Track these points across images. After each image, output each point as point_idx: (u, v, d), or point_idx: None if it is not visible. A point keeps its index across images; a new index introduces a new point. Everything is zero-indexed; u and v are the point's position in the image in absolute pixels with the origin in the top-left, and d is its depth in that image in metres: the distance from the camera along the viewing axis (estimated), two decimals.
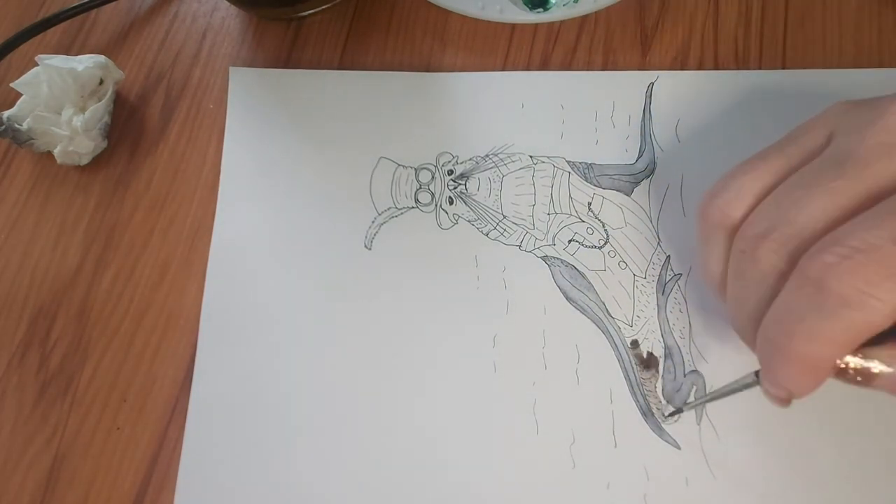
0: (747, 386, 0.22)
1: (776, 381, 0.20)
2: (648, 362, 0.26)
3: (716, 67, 0.31)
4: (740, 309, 0.21)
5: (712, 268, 0.23)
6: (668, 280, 0.28)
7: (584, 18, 0.32)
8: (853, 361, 0.18)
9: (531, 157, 0.30)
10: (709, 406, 0.26)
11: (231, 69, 0.33)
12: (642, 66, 0.31)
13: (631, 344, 0.27)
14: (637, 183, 0.29)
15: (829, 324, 0.17)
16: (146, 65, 0.34)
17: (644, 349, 0.27)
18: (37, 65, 0.30)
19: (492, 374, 0.27)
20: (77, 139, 0.30)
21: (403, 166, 0.31)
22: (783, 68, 0.30)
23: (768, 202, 0.20)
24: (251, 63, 0.33)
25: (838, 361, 0.18)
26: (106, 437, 0.27)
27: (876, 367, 0.18)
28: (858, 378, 0.19)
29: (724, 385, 0.23)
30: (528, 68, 0.32)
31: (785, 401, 0.20)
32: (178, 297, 0.29)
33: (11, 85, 0.31)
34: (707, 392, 0.26)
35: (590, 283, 0.28)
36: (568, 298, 0.28)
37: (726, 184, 0.22)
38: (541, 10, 0.31)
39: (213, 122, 0.32)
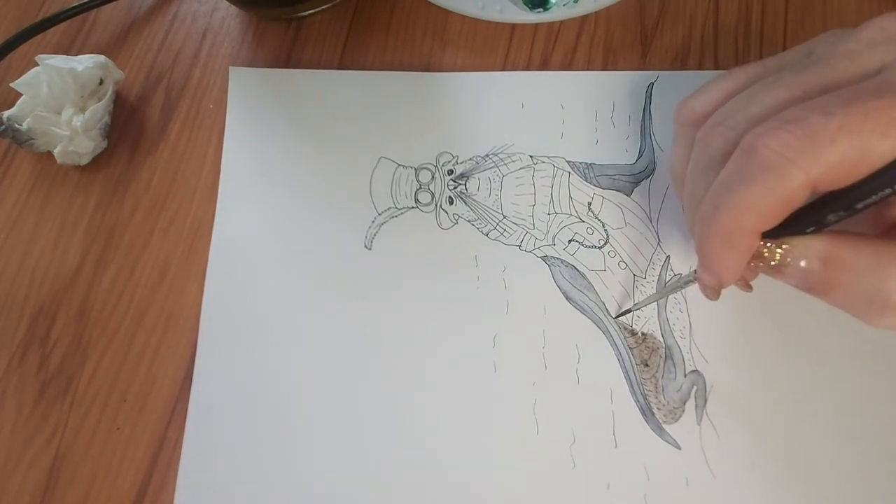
0: (689, 282, 0.23)
1: (704, 262, 0.20)
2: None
3: (716, 67, 0.31)
4: (692, 201, 0.22)
5: (675, 165, 0.24)
6: (668, 280, 0.28)
7: (584, 18, 0.32)
8: (768, 248, 0.19)
9: (531, 156, 0.30)
10: (709, 406, 0.26)
11: (231, 69, 0.33)
12: (642, 66, 0.31)
13: (630, 333, 0.27)
14: (637, 183, 0.29)
15: (750, 190, 0.18)
16: (146, 65, 0.34)
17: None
18: (37, 65, 0.30)
19: (492, 374, 0.27)
20: (77, 139, 0.30)
21: (403, 166, 0.31)
22: None
23: (733, 99, 0.21)
24: (251, 63, 0.33)
25: (759, 246, 0.19)
26: (106, 437, 0.27)
27: (786, 254, 0.19)
28: (772, 263, 0.19)
29: (669, 282, 0.25)
30: (528, 68, 0.32)
31: (714, 290, 0.21)
32: (178, 297, 0.29)
33: (11, 85, 0.31)
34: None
35: (590, 283, 0.28)
36: (568, 298, 0.28)
37: (701, 87, 0.23)
38: (541, 10, 0.31)
39: (213, 122, 0.32)
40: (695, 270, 0.22)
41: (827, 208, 0.19)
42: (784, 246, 0.19)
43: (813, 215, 0.19)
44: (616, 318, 0.27)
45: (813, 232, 0.19)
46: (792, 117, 0.18)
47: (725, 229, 0.19)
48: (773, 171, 0.18)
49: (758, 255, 0.19)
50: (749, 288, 0.22)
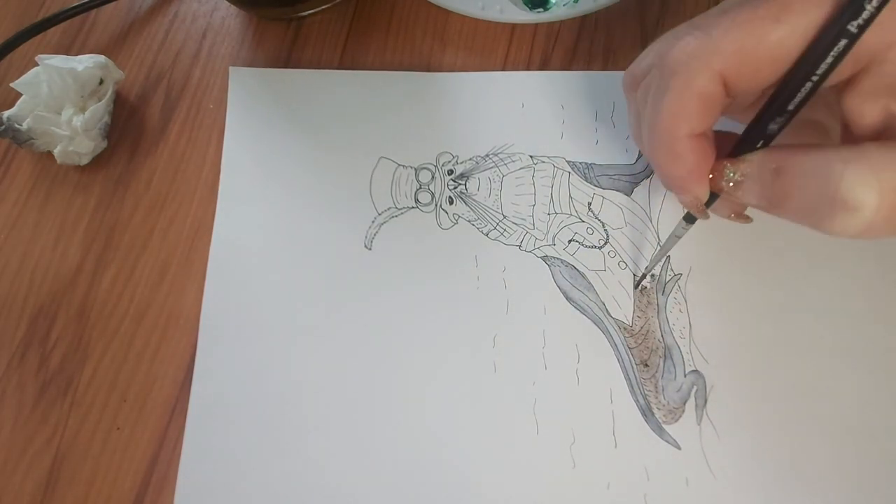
0: (687, 223, 0.24)
1: (664, 179, 0.21)
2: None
3: None
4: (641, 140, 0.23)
5: (631, 126, 0.25)
6: (667, 280, 0.28)
7: (584, 18, 0.32)
8: (726, 167, 0.20)
9: (531, 157, 0.30)
10: (709, 406, 0.26)
11: (231, 69, 0.33)
12: None
13: (630, 333, 0.27)
14: (637, 183, 0.29)
15: (668, 96, 0.19)
16: (146, 65, 0.34)
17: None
18: (37, 65, 0.30)
19: (492, 374, 0.27)
20: (77, 139, 0.30)
21: (403, 166, 0.31)
22: None
23: None
24: (251, 63, 0.33)
25: (714, 171, 0.20)
26: (106, 437, 0.27)
27: (741, 169, 0.20)
28: (730, 181, 0.20)
29: (667, 238, 0.25)
30: (528, 68, 0.32)
31: (698, 207, 0.21)
32: (178, 297, 0.29)
33: (11, 85, 0.31)
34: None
35: (590, 282, 0.28)
36: (568, 298, 0.28)
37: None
38: (541, 9, 0.31)
39: (213, 122, 0.32)
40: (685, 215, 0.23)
41: (765, 118, 0.19)
42: (739, 164, 0.20)
43: (758, 129, 0.20)
44: (637, 287, 0.27)
45: (763, 146, 0.20)
46: (693, 26, 0.19)
47: (665, 143, 0.20)
48: (681, 72, 0.19)
49: (719, 176, 0.20)
50: (746, 219, 0.23)
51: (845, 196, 0.17)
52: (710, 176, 0.20)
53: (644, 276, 0.28)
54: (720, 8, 0.19)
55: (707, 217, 0.22)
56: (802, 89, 0.18)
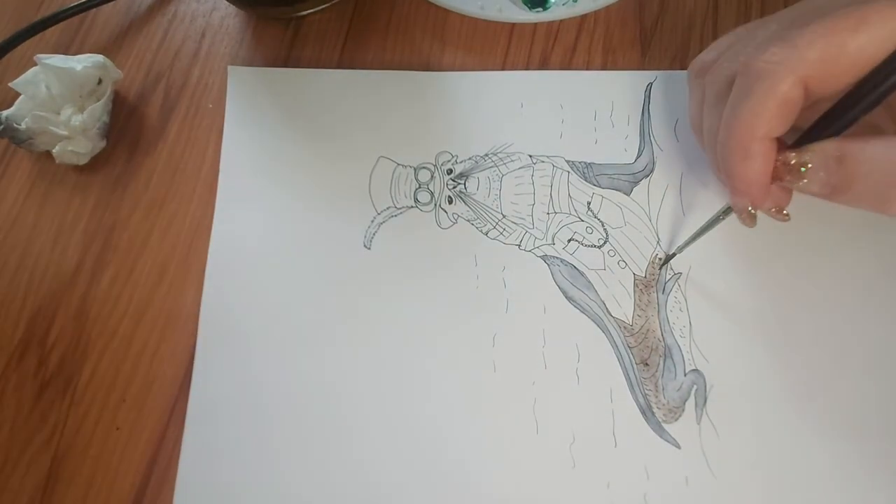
0: (726, 212, 0.24)
1: (731, 182, 0.22)
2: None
3: None
4: (710, 136, 0.24)
5: (693, 115, 0.26)
6: (668, 279, 0.28)
7: (584, 18, 0.32)
8: (783, 156, 0.21)
9: (530, 156, 0.30)
10: (709, 406, 0.26)
11: (230, 68, 0.33)
12: (641, 66, 0.31)
13: (630, 332, 0.27)
14: (636, 182, 0.29)
15: (752, 100, 0.21)
16: (145, 64, 0.34)
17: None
18: (35, 64, 0.30)
19: (492, 373, 0.27)
20: (76, 139, 0.30)
21: (403, 166, 0.30)
22: None
23: (735, 44, 0.24)
24: (250, 62, 0.33)
25: (783, 157, 0.21)
26: (105, 437, 0.27)
27: (806, 159, 0.21)
28: (793, 168, 0.21)
29: (703, 224, 0.26)
30: (527, 68, 0.32)
31: (749, 215, 0.23)
32: (178, 297, 0.29)
33: (10, 84, 0.31)
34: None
35: (589, 282, 0.28)
36: (567, 297, 0.28)
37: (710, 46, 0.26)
38: (540, 9, 0.31)
39: (211, 122, 0.32)
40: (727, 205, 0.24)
41: (836, 113, 0.21)
42: (805, 153, 0.21)
43: (824, 125, 0.21)
44: (664, 264, 0.28)
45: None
46: (777, 37, 0.21)
47: (740, 141, 0.21)
48: (766, 78, 0.20)
49: (783, 166, 0.21)
50: (785, 216, 0.24)
51: None
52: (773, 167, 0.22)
53: (673, 257, 0.28)
54: (798, 17, 0.21)
55: (753, 224, 0.23)
56: (877, 91, 0.19)
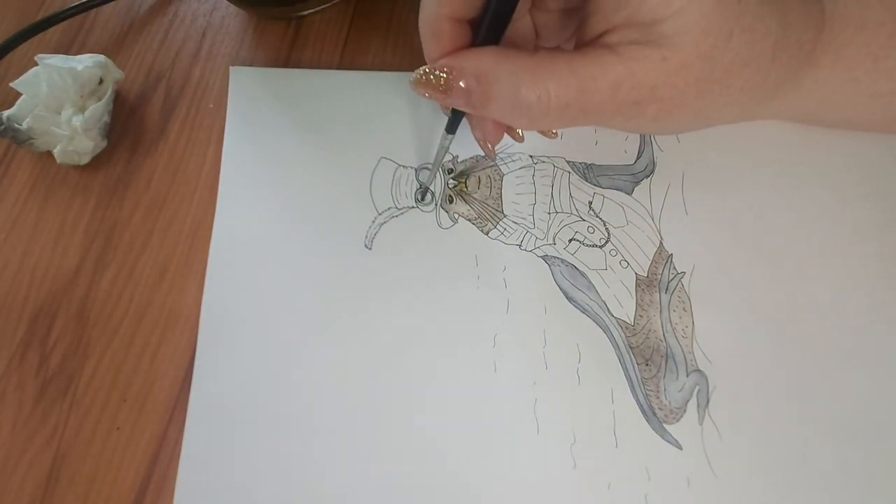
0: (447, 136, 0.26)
1: (428, 54, 0.23)
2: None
3: None
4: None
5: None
6: (670, 279, 0.28)
7: None
8: (434, 75, 0.22)
9: (531, 156, 0.30)
10: (711, 407, 0.26)
11: (231, 68, 0.33)
12: None
13: (632, 332, 0.27)
14: (637, 182, 0.29)
15: None
16: (146, 64, 0.34)
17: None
18: (36, 64, 0.30)
19: (492, 373, 0.27)
20: (77, 139, 0.30)
21: (404, 166, 0.30)
22: None
23: None
24: (251, 62, 0.33)
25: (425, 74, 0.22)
26: (106, 437, 0.27)
27: (448, 75, 0.22)
28: (440, 86, 0.22)
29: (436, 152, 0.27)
30: None
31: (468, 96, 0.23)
32: (178, 297, 0.29)
33: (11, 84, 0.31)
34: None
35: (590, 282, 0.28)
36: (568, 298, 0.28)
37: None
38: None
39: (212, 122, 0.32)
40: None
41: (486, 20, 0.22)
42: (445, 69, 0.22)
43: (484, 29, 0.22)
44: (417, 194, 0.29)
45: (483, 42, 0.22)
46: None
47: (428, 20, 0.22)
48: None
49: (427, 83, 0.22)
50: (555, 135, 0.27)
51: (524, 100, 0.20)
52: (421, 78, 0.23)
53: (426, 191, 0.29)
54: None
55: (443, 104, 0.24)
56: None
